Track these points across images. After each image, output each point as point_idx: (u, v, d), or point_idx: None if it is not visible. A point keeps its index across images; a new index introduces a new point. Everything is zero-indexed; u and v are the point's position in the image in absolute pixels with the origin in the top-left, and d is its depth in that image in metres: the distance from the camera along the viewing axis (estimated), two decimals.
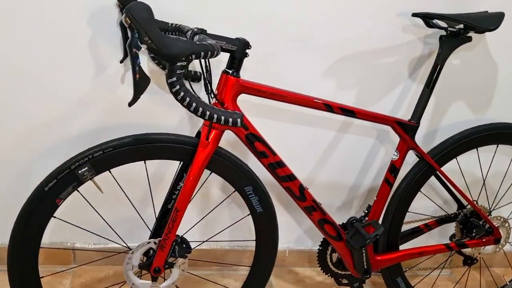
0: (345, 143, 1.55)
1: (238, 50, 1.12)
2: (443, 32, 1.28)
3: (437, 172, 1.37)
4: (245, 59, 1.35)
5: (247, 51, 1.14)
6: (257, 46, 1.33)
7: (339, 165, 1.59)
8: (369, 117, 1.28)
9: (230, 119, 0.95)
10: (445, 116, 1.53)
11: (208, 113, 0.93)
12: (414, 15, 1.25)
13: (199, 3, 1.29)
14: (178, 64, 0.87)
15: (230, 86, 1.15)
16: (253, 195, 1.28)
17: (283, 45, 1.36)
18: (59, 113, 1.39)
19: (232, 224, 1.52)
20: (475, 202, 1.53)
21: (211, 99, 1.12)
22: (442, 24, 1.25)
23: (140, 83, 0.86)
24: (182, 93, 0.89)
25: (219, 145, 1.19)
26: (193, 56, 0.89)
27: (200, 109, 0.92)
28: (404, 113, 1.52)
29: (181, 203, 1.18)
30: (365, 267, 1.39)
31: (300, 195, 1.29)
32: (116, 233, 1.29)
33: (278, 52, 1.37)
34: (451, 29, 1.25)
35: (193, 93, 0.91)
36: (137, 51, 0.84)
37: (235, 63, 1.14)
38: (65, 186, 1.12)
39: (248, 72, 1.38)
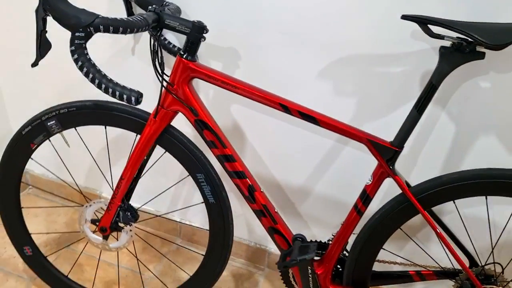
0: (344, 156, 1.38)
1: (192, 33, 1.10)
2: (446, 43, 1.03)
3: (421, 213, 1.13)
4: (237, 52, 1.33)
5: (205, 35, 1.12)
6: (247, 37, 1.29)
7: (337, 180, 1.43)
8: (335, 128, 1.11)
9: (125, 96, 0.96)
10: (470, 151, 1.23)
11: (103, 85, 0.95)
12: (404, 17, 1.02)
13: None
14: (77, 34, 0.91)
15: (181, 68, 1.14)
16: (205, 184, 1.25)
17: (275, 38, 1.27)
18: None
19: (186, 207, 1.53)
20: (493, 265, 1.23)
21: (164, 79, 1.14)
22: (443, 32, 1.01)
23: (42, 47, 0.94)
24: (80, 63, 0.93)
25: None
26: (91, 29, 0.92)
27: (97, 80, 0.95)
28: (413, 141, 1.28)
29: (125, 172, 1.24)
30: None
31: (249, 195, 1.21)
32: (77, 185, 1.42)
33: (270, 45, 1.29)
34: (451, 39, 0.99)
35: (94, 68, 0.95)
36: (44, 18, 0.92)
37: (189, 46, 1.12)
38: (37, 133, 1.27)
39: (239, 65, 1.35)
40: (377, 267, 1.34)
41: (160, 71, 1.12)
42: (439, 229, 1.16)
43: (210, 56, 1.37)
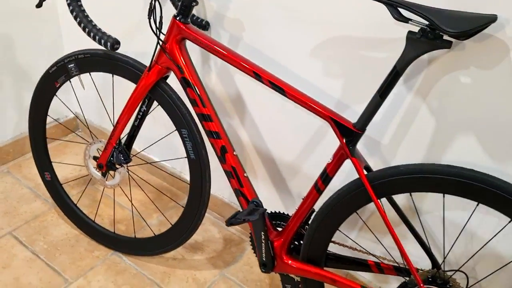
0: (330, 138, 1.39)
1: None
2: (415, 29, 1.00)
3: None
4: (242, 24, 1.40)
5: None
6: (250, 9, 1.35)
7: (322, 161, 1.44)
8: (300, 101, 1.14)
9: (102, 40, 1.09)
10: (449, 147, 1.18)
11: (87, 29, 1.10)
12: None
13: None
14: None
15: (174, 29, 1.25)
16: (188, 140, 1.35)
17: (275, 12, 1.31)
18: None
19: (169, 160, 1.68)
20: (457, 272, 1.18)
21: (159, 37, 1.25)
22: (410, 16, 0.98)
23: None
24: (71, 7, 1.09)
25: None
26: None
27: (82, 24, 1.10)
28: (395, 131, 1.25)
29: (121, 117, 1.39)
30: (264, 259, 1.28)
31: (221, 156, 1.29)
32: (86, 123, 1.59)
33: (269, 19, 1.33)
34: (417, 24, 0.97)
35: (82, 13, 1.09)
36: None
37: (182, 9, 1.22)
38: (60, 74, 1.47)
39: (243, 36, 1.41)
40: (348, 252, 1.34)
41: (156, 29, 1.24)
42: (410, 224, 1.14)
43: (221, 27, 1.45)
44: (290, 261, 1.29)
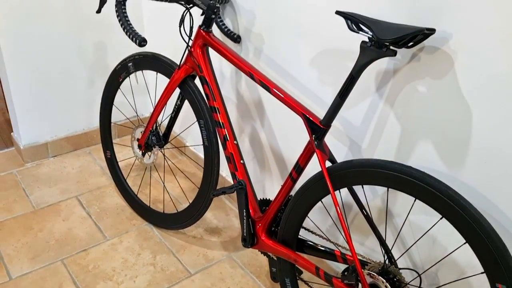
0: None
1: (207, 10, 1.50)
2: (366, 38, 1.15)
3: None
4: (263, 35, 1.66)
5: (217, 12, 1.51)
6: (268, 24, 1.60)
7: None
8: (281, 98, 1.35)
9: (134, 38, 1.42)
10: (412, 155, 1.27)
11: (126, 30, 1.44)
12: (338, 13, 1.18)
13: None
14: None
15: (198, 36, 1.55)
16: (204, 129, 1.62)
17: (284, 27, 1.55)
18: None
19: (191, 146, 1.86)
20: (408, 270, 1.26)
21: (187, 42, 1.57)
22: (365, 28, 1.14)
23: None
24: (117, 13, 1.44)
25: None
26: None
27: (123, 25, 1.44)
28: (371, 136, 1.38)
29: (156, 107, 1.71)
30: (244, 234, 1.47)
31: (223, 142, 1.53)
32: (136, 112, 1.94)
33: (281, 33, 1.57)
34: (366, 34, 1.13)
35: (123, 14, 1.44)
36: None
37: (205, 20, 1.52)
38: (122, 70, 1.86)
39: (264, 45, 1.66)
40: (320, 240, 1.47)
41: (186, 36, 1.55)
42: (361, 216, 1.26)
43: (248, 39, 1.72)
44: (265, 239, 1.46)
